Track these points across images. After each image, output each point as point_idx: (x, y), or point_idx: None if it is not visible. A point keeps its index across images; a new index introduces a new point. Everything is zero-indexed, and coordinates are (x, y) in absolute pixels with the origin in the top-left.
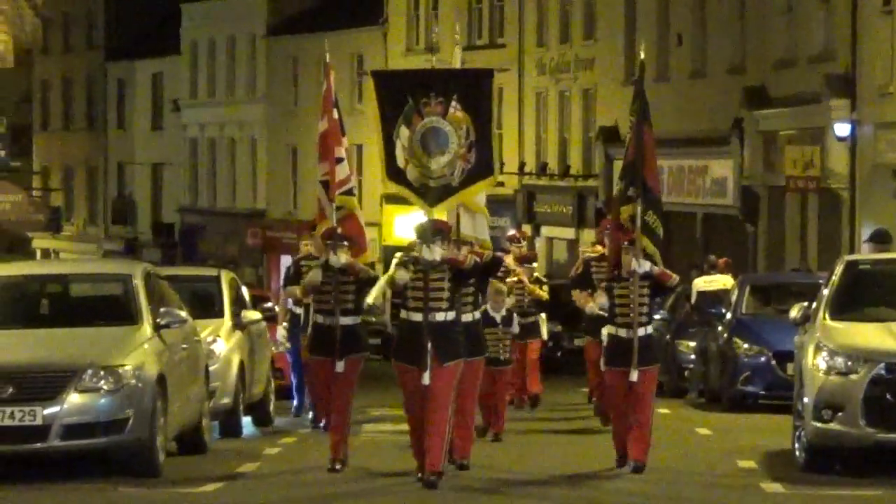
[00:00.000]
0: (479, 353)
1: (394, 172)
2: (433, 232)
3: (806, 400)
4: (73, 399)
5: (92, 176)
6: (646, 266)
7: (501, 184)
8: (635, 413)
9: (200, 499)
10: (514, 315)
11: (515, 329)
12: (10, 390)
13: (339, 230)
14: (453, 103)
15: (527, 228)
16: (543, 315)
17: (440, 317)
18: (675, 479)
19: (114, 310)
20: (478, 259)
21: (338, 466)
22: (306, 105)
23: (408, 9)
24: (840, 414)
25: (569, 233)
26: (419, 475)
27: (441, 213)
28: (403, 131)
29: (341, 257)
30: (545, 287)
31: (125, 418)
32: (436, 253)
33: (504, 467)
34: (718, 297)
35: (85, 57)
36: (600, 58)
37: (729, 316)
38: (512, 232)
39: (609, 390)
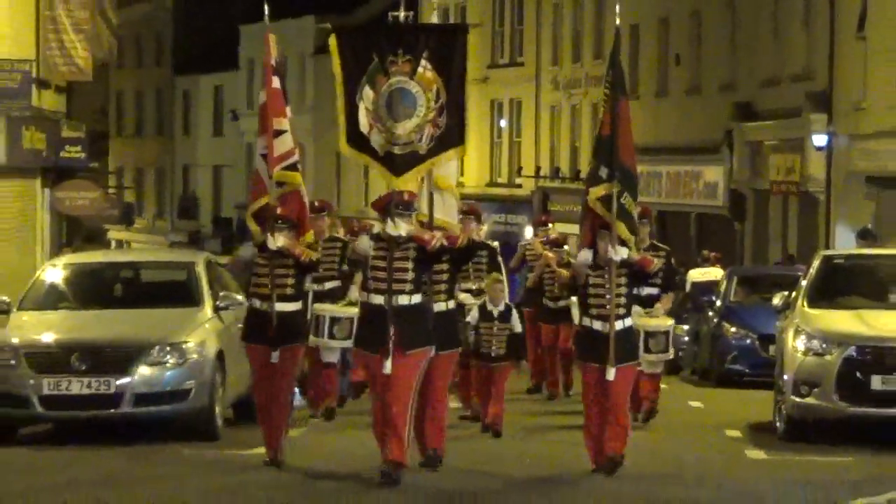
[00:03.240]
0: (452, 346)
1: (356, 138)
2: (397, 205)
3: (786, 377)
4: (143, 371)
5: (160, 176)
6: (622, 253)
7: (520, 186)
8: (612, 412)
9: (253, 460)
10: (514, 310)
11: (516, 326)
12: (88, 363)
13: (279, 210)
14: (423, 62)
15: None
16: (574, 299)
17: (404, 300)
18: (670, 446)
19: (179, 293)
20: (444, 242)
21: (276, 458)
22: None
23: None
24: (816, 390)
25: (578, 229)
26: (382, 466)
27: (408, 184)
28: (368, 93)
29: (278, 240)
30: None
31: (188, 389)
32: (401, 228)
33: (485, 463)
34: (710, 287)
35: (155, 71)
36: None
37: (719, 303)
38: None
39: (583, 387)
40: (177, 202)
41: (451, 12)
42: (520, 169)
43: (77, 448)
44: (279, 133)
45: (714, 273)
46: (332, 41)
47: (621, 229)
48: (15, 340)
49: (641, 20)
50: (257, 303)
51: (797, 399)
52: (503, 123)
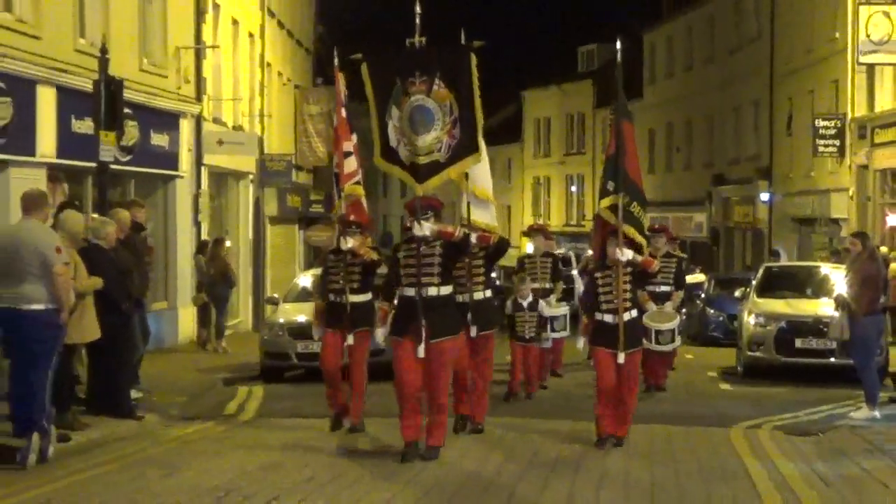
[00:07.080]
0: (490, 327)
1: (387, 152)
2: (423, 208)
3: (744, 340)
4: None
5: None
6: (628, 254)
7: (584, 225)
8: (624, 395)
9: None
10: (540, 301)
11: (543, 311)
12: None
13: (352, 217)
14: (437, 80)
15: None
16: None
17: (432, 291)
18: (671, 381)
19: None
20: (466, 231)
21: (359, 427)
22: None
23: (535, 132)
24: (762, 347)
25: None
26: (404, 449)
27: (430, 190)
28: (394, 111)
29: (348, 242)
30: None
31: (380, 349)
32: (426, 229)
33: (519, 420)
34: (698, 286)
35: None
36: None
37: (703, 295)
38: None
39: (597, 367)
40: (379, 237)
41: (541, 124)
42: (584, 214)
43: (316, 384)
44: (348, 154)
45: (700, 277)
46: (364, 69)
47: (631, 232)
48: (282, 320)
49: (655, 126)
50: (332, 296)
51: (750, 353)
52: (573, 188)
